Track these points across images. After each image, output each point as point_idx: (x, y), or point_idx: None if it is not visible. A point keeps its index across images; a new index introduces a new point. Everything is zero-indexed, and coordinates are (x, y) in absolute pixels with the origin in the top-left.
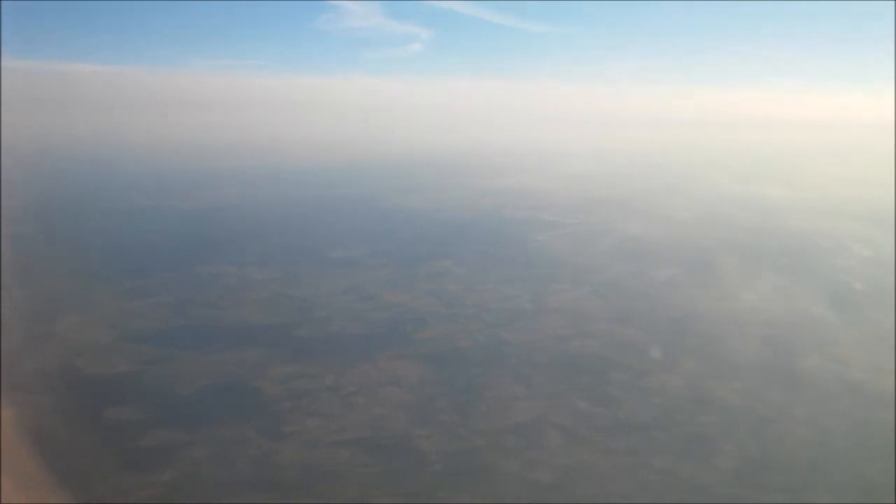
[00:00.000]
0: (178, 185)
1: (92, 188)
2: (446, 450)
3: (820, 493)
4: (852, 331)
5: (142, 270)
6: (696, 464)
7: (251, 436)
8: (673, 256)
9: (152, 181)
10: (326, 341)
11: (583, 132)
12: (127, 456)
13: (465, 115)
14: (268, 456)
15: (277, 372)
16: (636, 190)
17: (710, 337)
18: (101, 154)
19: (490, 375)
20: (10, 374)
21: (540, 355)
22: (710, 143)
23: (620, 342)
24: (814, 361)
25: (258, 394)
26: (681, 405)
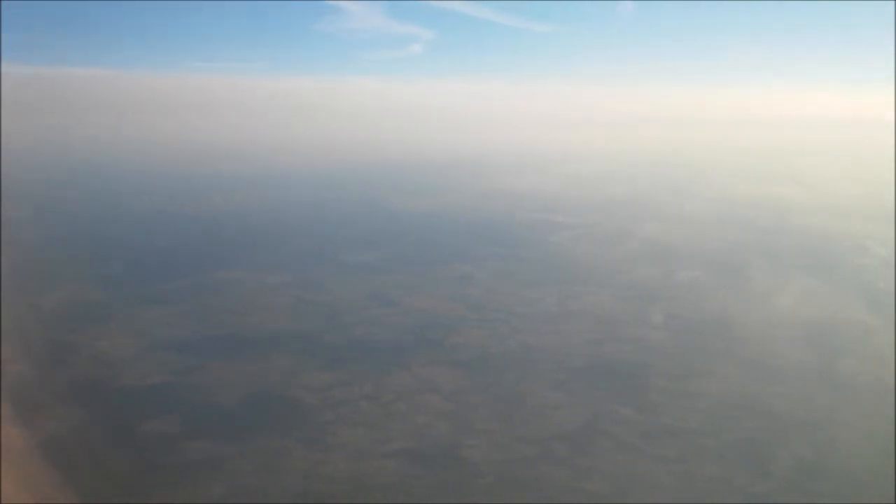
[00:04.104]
0: (184, 189)
1: (98, 193)
2: (495, 459)
3: (877, 497)
4: (883, 331)
5: (159, 277)
6: (750, 471)
7: (296, 447)
8: (692, 258)
9: (158, 186)
10: (356, 348)
11: (587, 132)
12: (171, 471)
13: (468, 116)
14: (316, 468)
15: (313, 380)
16: (645, 190)
17: (743, 339)
18: (103, 159)
19: (527, 382)
20: (38, 388)
21: (574, 361)
22: (714, 143)
23: (653, 346)
24: (851, 363)
25: (297, 403)
26: (725, 410)
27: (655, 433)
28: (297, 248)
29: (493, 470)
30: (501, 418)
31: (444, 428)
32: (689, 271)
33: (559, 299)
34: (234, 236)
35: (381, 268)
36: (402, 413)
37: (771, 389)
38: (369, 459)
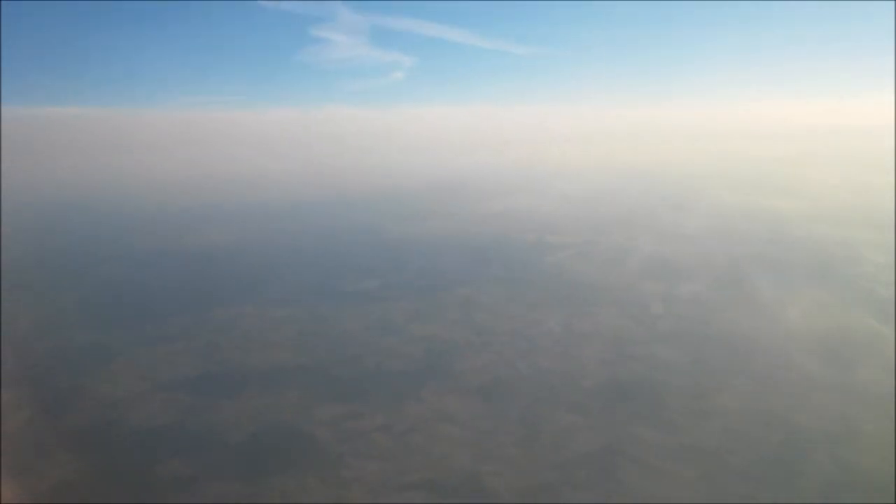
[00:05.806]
0: (177, 224)
1: (92, 232)
2: (518, 486)
3: None
4: (892, 338)
5: (160, 315)
6: (779, 489)
7: (312, 484)
8: (692, 273)
9: (150, 222)
10: (365, 379)
11: (572, 151)
12: None
13: (453, 141)
14: None
15: (324, 414)
16: (637, 207)
17: (753, 353)
18: (94, 197)
19: (542, 406)
20: (41, 435)
21: (587, 382)
22: (703, 156)
23: (664, 364)
24: (863, 372)
25: (310, 438)
26: (744, 427)
27: (677, 453)
28: (296, 280)
29: (516, 497)
30: (520, 444)
31: (464, 456)
32: (692, 286)
33: (564, 320)
34: (232, 271)
35: (383, 296)
36: (418, 443)
37: (787, 403)
38: (388, 493)
